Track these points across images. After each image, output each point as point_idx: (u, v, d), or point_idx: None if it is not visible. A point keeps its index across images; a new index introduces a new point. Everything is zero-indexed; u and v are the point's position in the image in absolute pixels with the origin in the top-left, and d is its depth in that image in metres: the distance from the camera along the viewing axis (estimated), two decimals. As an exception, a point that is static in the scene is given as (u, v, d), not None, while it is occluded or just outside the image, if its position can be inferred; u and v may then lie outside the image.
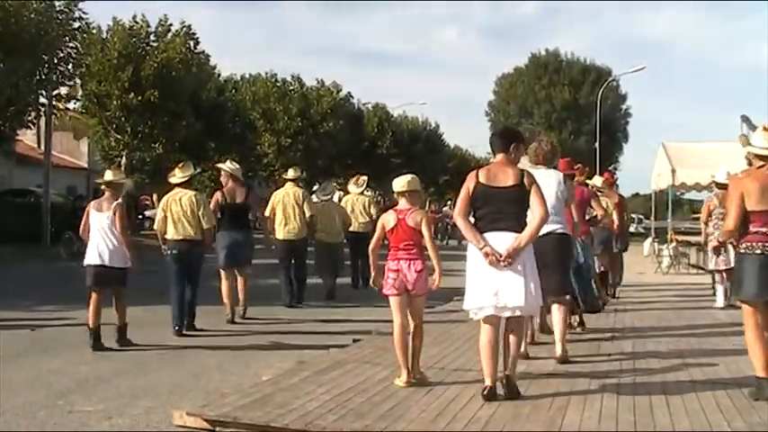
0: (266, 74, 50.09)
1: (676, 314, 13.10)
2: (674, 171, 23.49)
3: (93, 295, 10.09)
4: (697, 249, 26.10)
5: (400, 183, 7.74)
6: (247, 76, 51.08)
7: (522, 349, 7.86)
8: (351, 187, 17.73)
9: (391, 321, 7.65)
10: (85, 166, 47.52)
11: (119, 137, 33.80)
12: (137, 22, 33.88)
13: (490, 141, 7.49)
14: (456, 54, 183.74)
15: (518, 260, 6.87)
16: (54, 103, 28.68)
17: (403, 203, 7.71)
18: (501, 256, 6.80)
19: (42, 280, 18.32)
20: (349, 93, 53.30)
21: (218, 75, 43.43)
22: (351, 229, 16.36)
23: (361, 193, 17.53)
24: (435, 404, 6.78)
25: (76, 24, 27.70)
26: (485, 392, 6.91)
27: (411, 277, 7.45)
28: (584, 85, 68.84)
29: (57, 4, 26.62)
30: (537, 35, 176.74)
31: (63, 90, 28.85)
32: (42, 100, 28.17)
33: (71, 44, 27.69)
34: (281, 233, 14.15)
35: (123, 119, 32.96)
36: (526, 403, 6.87)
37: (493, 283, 6.88)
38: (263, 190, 47.20)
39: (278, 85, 49.14)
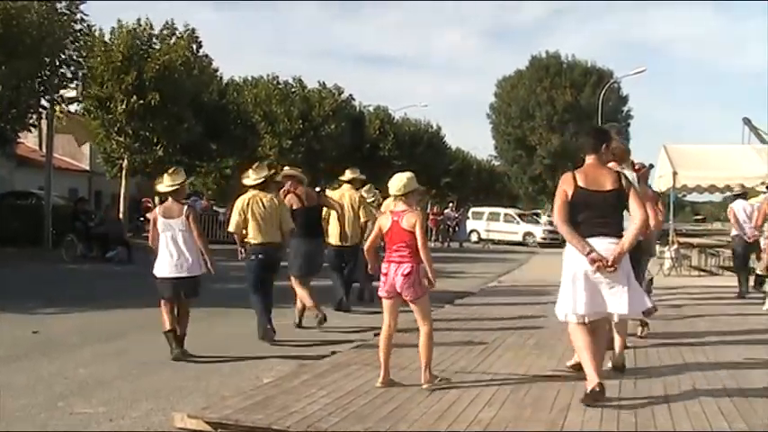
0: (268, 76, 50.17)
1: (679, 316, 13.08)
2: (675, 173, 23.41)
3: (168, 305, 9.62)
4: (699, 251, 26.10)
5: (396, 186, 7.64)
6: (249, 78, 51.15)
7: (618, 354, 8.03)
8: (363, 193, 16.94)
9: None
10: (87, 168, 47.59)
11: (120, 139, 33.82)
12: (140, 25, 33.96)
13: (579, 143, 7.35)
14: (458, 56, 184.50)
15: (621, 266, 6.81)
16: (56, 105, 28.66)
17: (400, 205, 7.64)
18: (608, 262, 6.73)
19: (43, 282, 18.32)
20: (350, 95, 53.39)
21: (220, 77, 43.46)
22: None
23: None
24: (437, 406, 6.78)
25: (78, 26, 27.69)
26: (596, 390, 6.72)
27: (399, 281, 7.41)
28: (586, 87, 68.75)
29: (58, 6, 26.61)
30: (538, 37, 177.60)
31: (65, 92, 28.82)
32: (44, 102, 28.16)
33: (73, 46, 27.69)
34: (334, 239, 13.48)
35: (125, 121, 32.99)
36: (527, 404, 6.88)
37: (597, 290, 6.84)
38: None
39: (279, 87, 49.17)
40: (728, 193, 21.32)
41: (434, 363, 7.70)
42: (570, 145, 66.96)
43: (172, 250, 9.44)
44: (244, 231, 10.77)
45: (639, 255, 8.64)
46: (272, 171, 11.64)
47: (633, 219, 6.90)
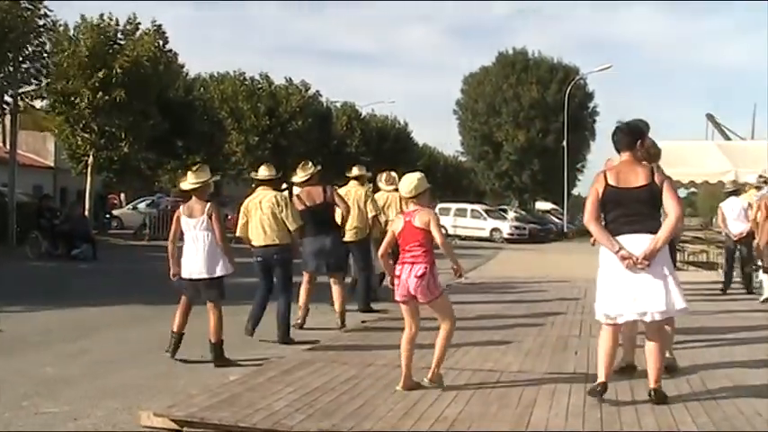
0: (234, 72, 50.03)
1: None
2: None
3: (184, 306, 9.40)
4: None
5: (407, 188, 7.43)
6: (215, 74, 50.97)
7: (668, 355, 7.67)
8: (381, 185, 15.42)
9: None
10: (52, 165, 47.21)
11: (86, 135, 33.55)
12: (105, 20, 33.68)
13: (614, 139, 7.18)
14: (425, 53, 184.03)
15: (656, 262, 6.71)
16: (19, 101, 28.39)
17: (411, 205, 7.44)
18: (638, 259, 6.66)
19: (8, 280, 18.15)
20: (317, 91, 53.27)
21: (186, 73, 43.24)
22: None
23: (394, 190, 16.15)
24: (402, 403, 6.79)
25: (42, 22, 27.45)
26: (597, 388, 6.78)
27: (412, 283, 7.20)
28: (552, 83, 68.90)
29: (21, 2, 26.38)
30: (505, 34, 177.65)
31: (28, 88, 28.55)
32: (7, 98, 27.89)
33: (36, 42, 27.45)
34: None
35: (90, 117, 32.73)
36: (493, 401, 6.91)
37: (631, 288, 6.74)
38: (231, 189, 47.08)
39: (246, 83, 49.05)
40: (693, 189, 21.47)
41: (399, 360, 7.71)
42: (536, 141, 67.32)
43: (192, 250, 9.14)
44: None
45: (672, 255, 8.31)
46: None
47: (669, 214, 6.82)
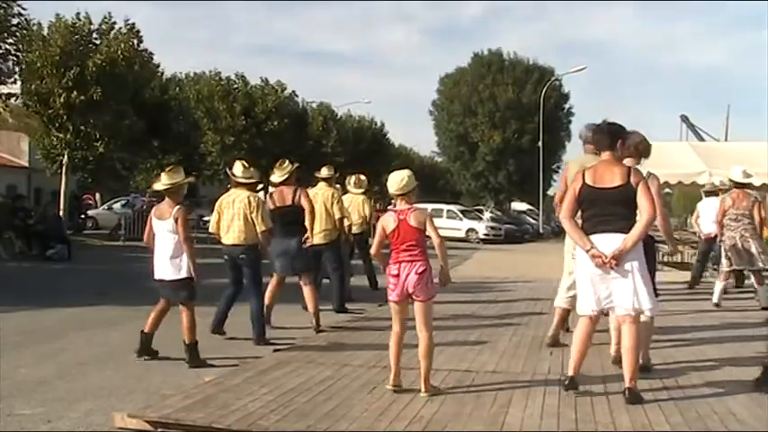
0: (210, 72, 49.94)
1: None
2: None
3: (163, 302, 9.45)
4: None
5: (397, 185, 7.45)
6: (191, 74, 50.84)
7: (641, 360, 7.61)
8: (350, 188, 16.34)
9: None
10: (26, 165, 46.96)
11: (60, 135, 33.39)
12: (79, 20, 33.52)
13: (594, 139, 7.27)
14: (400, 53, 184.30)
15: (626, 262, 6.78)
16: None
17: (401, 203, 7.45)
18: (607, 259, 6.73)
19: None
20: (293, 91, 53.25)
21: (162, 73, 43.10)
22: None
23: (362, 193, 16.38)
24: (378, 404, 6.80)
25: (16, 20, 27.30)
26: (566, 382, 6.96)
27: (413, 280, 7.17)
28: (528, 84, 69.16)
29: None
30: (480, 36, 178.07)
31: (2, 88, 28.38)
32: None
33: (9, 41, 27.28)
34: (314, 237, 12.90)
35: (65, 117, 32.57)
36: (468, 401, 6.92)
37: (602, 286, 6.87)
38: (207, 189, 46.96)
39: (222, 83, 48.98)
40: (668, 190, 21.58)
41: (374, 361, 7.72)
42: (512, 142, 67.52)
43: (160, 251, 9.18)
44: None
45: (652, 254, 8.41)
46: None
47: (641, 215, 6.85)
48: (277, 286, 11.80)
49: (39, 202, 40.12)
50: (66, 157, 34.00)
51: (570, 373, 7.07)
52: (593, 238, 6.86)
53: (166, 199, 9.26)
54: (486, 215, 54.42)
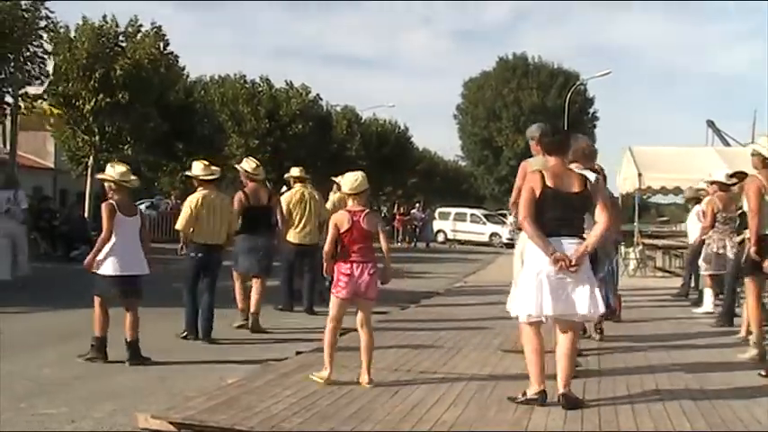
0: (235, 75, 50.00)
1: (643, 318, 13.15)
2: (640, 175, 23.60)
3: (102, 305, 9.63)
4: (663, 252, 26.32)
5: (352, 185, 7.69)
6: (216, 77, 50.94)
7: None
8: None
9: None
10: (52, 166, 47.18)
11: (86, 137, 33.53)
12: (106, 22, 33.65)
13: (549, 142, 7.27)
14: (425, 57, 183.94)
15: (583, 266, 6.83)
16: (20, 102, 28.37)
17: (355, 204, 7.67)
18: (570, 262, 6.71)
19: (5, 281, 18.08)
20: (318, 95, 53.11)
21: (187, 76, 43.21)
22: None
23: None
24: (401, 407, 6.78)
25: (43, 23, 27.46)
26: (539, 398, 6.84)
27: (364, 281, 7.46)
28: (552, 88, 69.19)
29: (22, 3, 26.37)
30: (505, 39, 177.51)
31: (30, 89, 28.52)
32: (8, 99, 27.87)
33: (37, 43, 27.43)
34: (295, 237, 13.43)
35: (92, 119, 32.71)
36: (492, 405, 6.90)
37: (557, 290, 6.79)
38: (231, 192, 47.02)
39: (246, 86, 48.96)
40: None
41: (399, 363, 7.71)
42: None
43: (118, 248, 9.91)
44: (192, 230, 10.80)
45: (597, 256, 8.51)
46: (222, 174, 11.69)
47: (598, 220, 6.92)
48: (243, 286, 11.93)
49: (64, 203, 40.26)
50: (91, 159, 34.12)
51: (538, 387, 6.88)
52: (551, 240, 6.82)
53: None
54: (510, 219, 54.19)
